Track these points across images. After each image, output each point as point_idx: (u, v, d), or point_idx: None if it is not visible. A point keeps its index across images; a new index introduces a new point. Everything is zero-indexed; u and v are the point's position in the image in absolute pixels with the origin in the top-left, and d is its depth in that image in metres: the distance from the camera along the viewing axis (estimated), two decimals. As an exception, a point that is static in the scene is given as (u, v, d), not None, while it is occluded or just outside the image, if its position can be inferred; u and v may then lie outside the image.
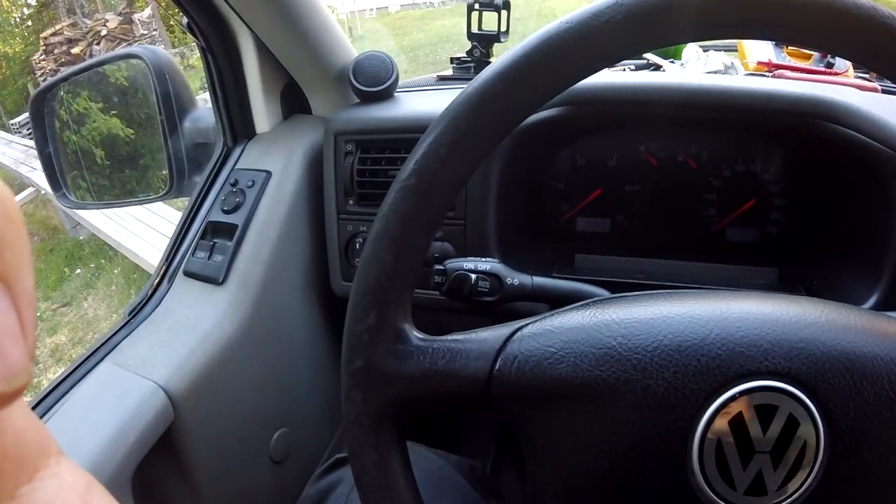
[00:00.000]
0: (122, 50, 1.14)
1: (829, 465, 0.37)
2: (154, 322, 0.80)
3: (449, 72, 1.02)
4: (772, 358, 0.38)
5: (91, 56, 7.66)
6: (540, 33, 0.41)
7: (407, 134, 0.83)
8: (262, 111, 0.90)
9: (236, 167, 0.89)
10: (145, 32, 8.66)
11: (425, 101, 0.90)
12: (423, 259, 0.44)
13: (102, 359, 0.76)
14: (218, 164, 0.90)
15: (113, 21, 8.12)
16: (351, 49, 0.92)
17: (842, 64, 1.01)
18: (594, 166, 0.85)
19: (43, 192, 5.32)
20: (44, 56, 8.01)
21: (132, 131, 1.14)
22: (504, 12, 0.94)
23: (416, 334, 0.44)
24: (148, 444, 0.69)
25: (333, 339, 1.00)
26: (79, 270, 4.94)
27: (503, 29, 0.95)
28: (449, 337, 0.44)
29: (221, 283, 0.80)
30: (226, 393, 0.79)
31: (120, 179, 1.20)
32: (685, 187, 0.83)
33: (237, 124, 0.91)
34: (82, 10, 9.84)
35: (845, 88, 0.80)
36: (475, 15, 0.94)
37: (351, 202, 0.86)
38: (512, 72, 0.41)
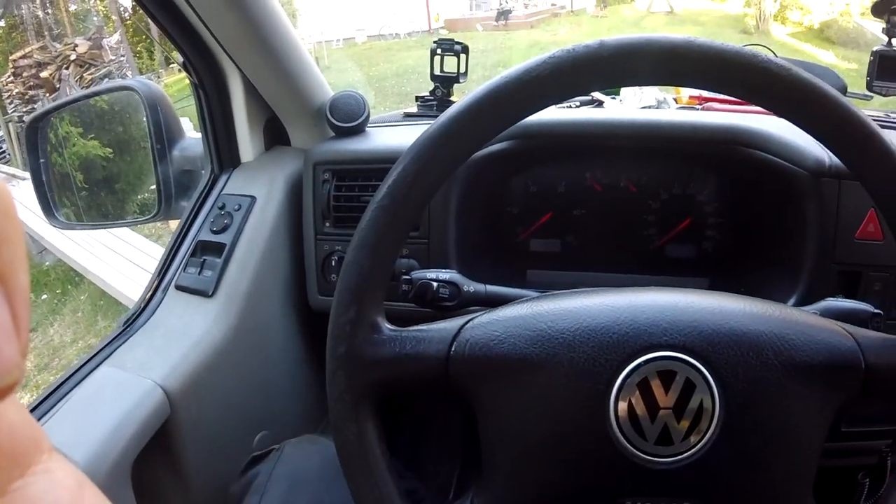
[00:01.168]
0: (116, 82, 1.22)
1: (726, 421, 0.47)
2: (148, 330, 0.88)
3: (414, 109, 1.13)
4: (669, 334, 0.48)
5: (60, 80, 7.63)
6: (485, 86, 0.52)
7: (378, 164, 0.93)
8: (247, 142, 1.00)
9: (223, 192, 0.98)
10: (114, 58, 8.64)
11: (393, 136, 1.01)
12: (394, 264, 0.54)
13: (100, 364, 0.83)
14: (206, 190, 0.99)
15: (83, 46, 8.09)
16: (327, 88, 1.03)
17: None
18: (545, 192, 0.95)
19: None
20: (12, 78, 7.93)
21: (110, 150, 1.22)
22: (463, 56, 1.05)
23: (388, 326, 0.54)
24: (146, 436, 0.76)
25: (309, 350, 1.08)
26: (45, 296, 4.87)
27: (462, 70, 1.06)
28: (414, 328, 0.54)
29: (211, 295, 0.88)
30: (215, 395, 0.86)
31: (105, 203, 1.28)
32: (627, 210, 0.93)
33: (224, 154, 1.00)
34: (51, 33, 9.80)
35: (766, 117, 0.91)
36: (437, 59, 1.05)
37: (328, 224, 0.96)
38: (463, 116, 0.52)
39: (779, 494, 0.50)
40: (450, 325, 0.54)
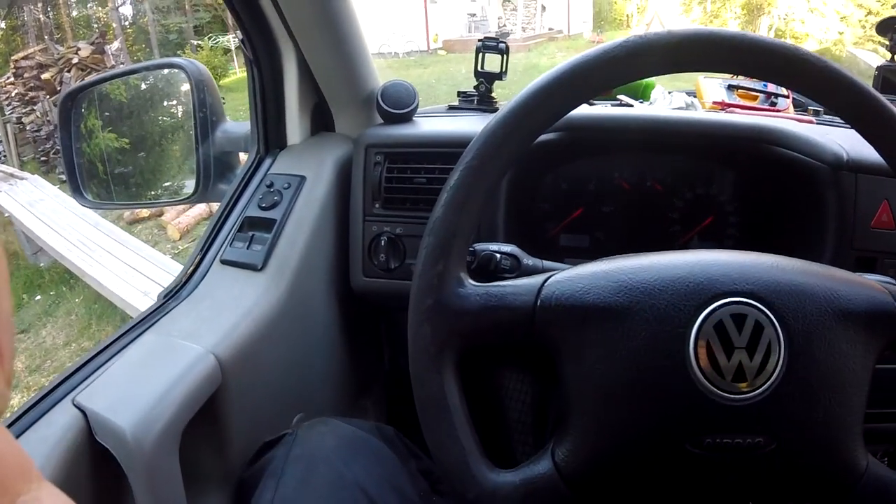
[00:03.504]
0: (164, 59, 1.23)
1: (790, 359, 0.52)
2: (193, 302, 0.86)
3: (456, 103, 1.17)
4: (739, 283, 0.53)
5: (62, 83, 7.63)
6: (568, 62, 0.57)
7: (430, 149, 0.96)
8: (296, 125, 1.02)
9: (270, 172, 0.99)
10: (115, 63, 8.66)
11: (442, 124, 1.04)
12: (478, 221, 0.57)
13: (142, 333, 0.80)
14: (252, 169, 1.00)
15: (85, 50, 8.10)
16: (377, 76, 1.06)
17: (783, 102, 1.20)
18: (575, 190, 0.99)
19: (7, 214, 5.23)
20: (12, 79, 7.90)
21: (126, 141, 1.24)
22: (505, 56, 1.09)
23: (471, 281, 0.56)
24: (198, 404, 0.73)
25: (347, 333, 1.07)
26: (38, 297, 4.83)
27: (504, 69, 1.10)
28: (496, 283, 0.57)
29: (261, 268, 0.89)
30: (263, 368, 0.85)
31: (137, 183, 1.29)
32: (653, 208, 0.98)
33: (271, 135, 1.02)
34: (52, 36, 9.81)
35: (784, 119, 0.97)
36: (480, 56, 1.09)
37: (377, 206, 0.98)
38: (552, 86, 0.56)
39: (835, 429, 0.54)
40: (532, 280, 0.57)
